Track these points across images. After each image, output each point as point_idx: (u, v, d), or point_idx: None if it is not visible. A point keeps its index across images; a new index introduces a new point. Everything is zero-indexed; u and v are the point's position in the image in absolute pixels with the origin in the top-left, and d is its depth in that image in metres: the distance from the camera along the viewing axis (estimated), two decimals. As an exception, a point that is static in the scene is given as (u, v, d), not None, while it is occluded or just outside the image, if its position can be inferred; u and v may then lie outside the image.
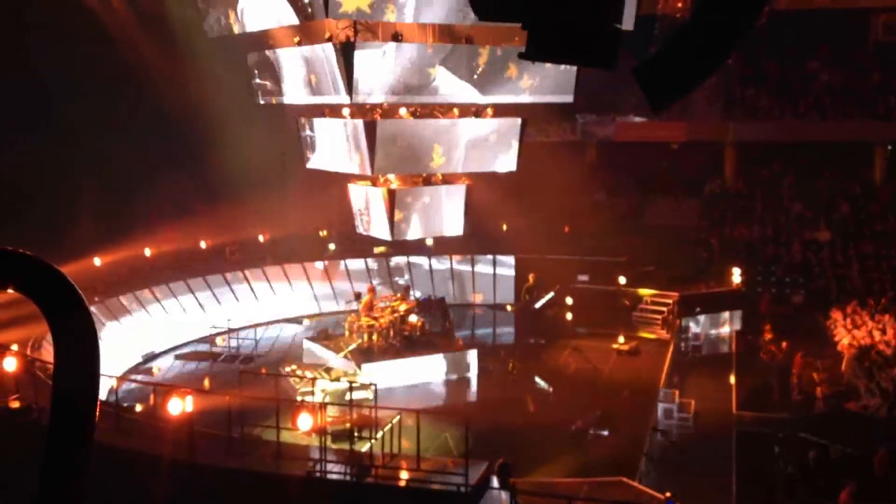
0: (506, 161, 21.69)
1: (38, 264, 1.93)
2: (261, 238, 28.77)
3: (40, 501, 1.97)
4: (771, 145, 33.11)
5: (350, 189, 22.59)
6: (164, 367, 22.64)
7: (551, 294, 25.89)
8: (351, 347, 20.73)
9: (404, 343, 21.35)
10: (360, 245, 27.67)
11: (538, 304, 25.56)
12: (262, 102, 22.89)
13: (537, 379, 21.20)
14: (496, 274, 29.18)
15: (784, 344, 22.80)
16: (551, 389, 20.69)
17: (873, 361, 20.43)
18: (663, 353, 22.74)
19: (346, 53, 18.65)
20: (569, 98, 21.42)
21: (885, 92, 32.42)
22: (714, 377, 22.00)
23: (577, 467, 15.18)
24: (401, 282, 27.48)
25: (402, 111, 20.64)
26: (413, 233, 22.15)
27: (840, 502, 13.26)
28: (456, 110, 21.23)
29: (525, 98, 20.92)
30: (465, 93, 20.14)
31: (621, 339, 23.86)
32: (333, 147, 21.41)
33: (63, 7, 23.86)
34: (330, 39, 19.13)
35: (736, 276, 27.06)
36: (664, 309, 25.58)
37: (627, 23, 18.70)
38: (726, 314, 26.60)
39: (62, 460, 1.96)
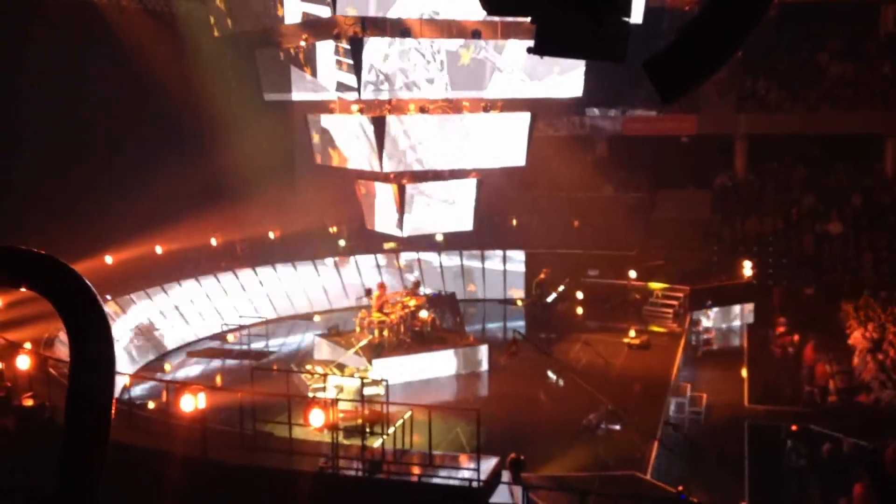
0: (515, 156, 21.68)
1: (53, 263, 1.94)
2: (271, 235, 28.84)
3: (57, 499, 1.98)
4: (782, 138, 32.95)
5: (359, 185, 22.61)
6: (176, 364, 22.73)
7: (561, 288, 25.86)
8: (362, 343, 20.74)
9: (415, 339, 21.38)
10: (371, 241, 27.69)
11: (549, 299, 25.54)
12: (270, 99, 22.93)
13: (549, 373, 21.20)
14: (506, 269, 29.17)
15: (796, 337, 22.74)
16: (562, 383, 20.68)
17: (886, 354, 20.35)
18: (674, 346, 22.69)
19: (354, 50, 18.66)
20: (578, 92, 21.40)
21: (897, 83, 32.26)
22: (726, 371, 21.95)
23: (589, 461, 15.19)
24: (411, 277, 27.49)
25: (411, 106, 20.65)
26: (423, 228, 22.16)
27: (854, 496, 13.21)
28: (465, 105, 21.23)
29: (534, 92, 20.92)
30: (475, 87, 20.14)
31: (632, 333, 23.82)
32: (343, 143, 21.44)
33: (70, 7, 23.94)
34: (338, 36, 19.15)
35: (747, 269, 26.97)
36: (675, 303, 25.53)
37: (636, 16, 18.71)
38: (737, 307, 26.51)
39: (78, 458, 1.97)
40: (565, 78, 21.08)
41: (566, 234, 29.46)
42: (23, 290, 2.10)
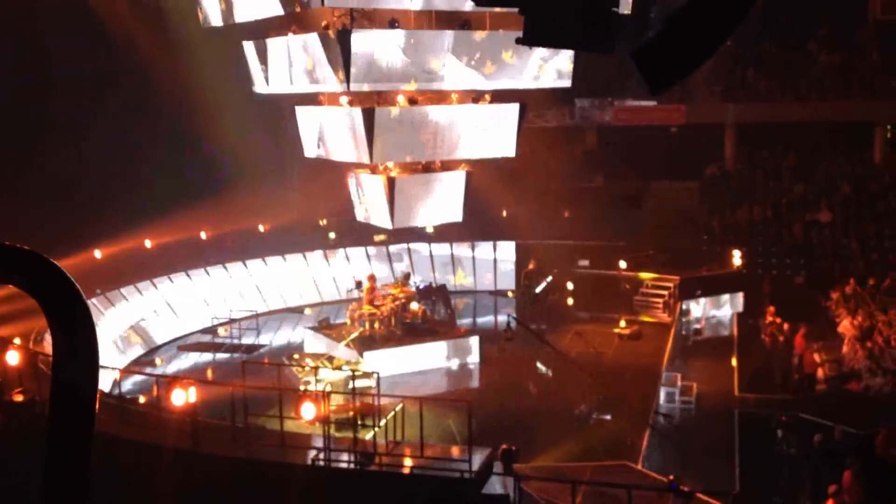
0: (504, 146, 21.65)
1: (35, 259, 1.93)
2: (261, 228, 28.76)
3: (44, 495, 1.97)
4: (771, 127, 33.02)
5: (349, 177, 22.56)
6: (166, 358, 22.68)
7: (549, 278, 25.91)
8: (353, 336, 20.75)
9: (406, 330, 21.38)
10: (360, 233, 27.65)
11: (538, 290, 25.59)
12: (259, 92, 22.83)
13: (539, 364, 21.24)
14: (497, 260, 29.18)
15: (786, 326, 22.80)
16: (552, 374, 20.74)
17: (875, 342, 20.44)
18: (665, 336, 22.76)
19: (342, 41, 18.58)
20: (567, 83, 21.36)
21: (885, 71, 32.30)
22: (716, 360, 22.03)
23: (581, 452, 15.23)
24: (401, 269, 27.47)
25: (400, 98, 20.58)
26: (413, 220, 22.13)
27: (844, 483, 13.28)
28: (454, 96, 21.18)
29: (523, 83, 20.87)
30: (464, 78, 20.10)
31: (623, 323, 23.88)
32: (332, 135, 21.37)
33: (76, 11, 23.91)
34: (326, 28, 19.07)
35: (737, 258, 27.05)
36: (665, 292, 25.58)
37: (625, 6, 18.68)
38: (727, 297, 26.60)
39: (63, 453, 1.96)
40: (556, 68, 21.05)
41: (556, 224, 29.46)
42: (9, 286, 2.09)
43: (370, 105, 20.03)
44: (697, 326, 25.63)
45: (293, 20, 20.20)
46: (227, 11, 21.07)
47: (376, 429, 13.51)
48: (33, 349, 15.89)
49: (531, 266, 26.00)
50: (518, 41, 3.84)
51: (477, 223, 26.55)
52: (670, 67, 3.28)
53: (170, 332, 24.01)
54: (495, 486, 12.38)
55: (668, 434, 17.20)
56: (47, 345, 16.99)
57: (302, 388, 16.90)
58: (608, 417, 17.32)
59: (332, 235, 29.22)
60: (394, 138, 20.05)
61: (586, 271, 27.28)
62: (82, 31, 24.03)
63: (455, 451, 12.88)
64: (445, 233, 27.73)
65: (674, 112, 33.46)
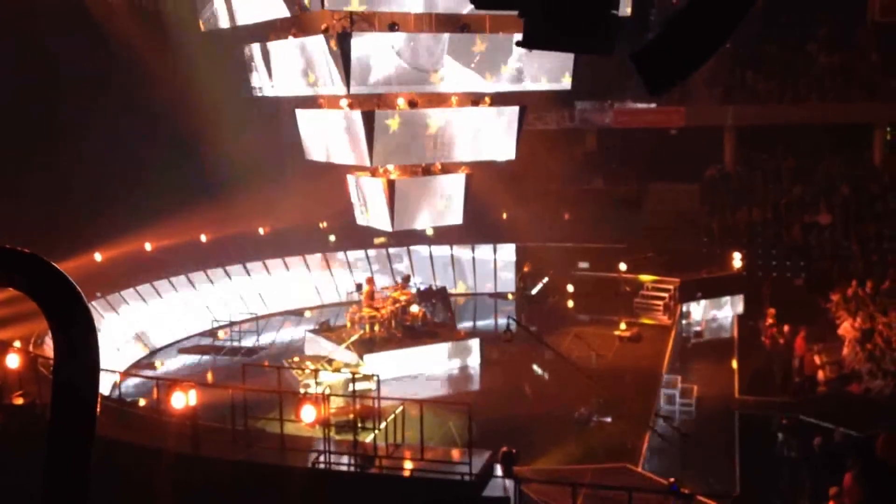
0: (505, 149, 21.66)
1: (36, 261, 1.93)
2: (261, 231, 28.74)
3: (44, 495, 1.97)
4: (770, 128, 33.05)
5: (349, 180, 22.56)
6: (166, 361, 22.66)
7: (545, 280, 25.90)
8: (353, 338, 20.73)
9: (406, 333, 21.37)
10: (360, 236, 27.63)
11: (533, 291, 25.62)
12: (258, 95, 22.86)
13: (535, 367, 21.24)
14: (497, 262, 29.17)
15: (786, 328, 22.82)
16: (547, 376, 20.74)
17: (875, 344, 20.45)
18: (665, 338, 22.75)
19: (342, 45, 18.59)
20: (566, 85, 21.37)
21: (885, 72, 32.32)
22: (716, 362, 22.03)
23: (581, 454, 15.21)
24: (401, 271, 27.46)
25: (400, 101, 20.59)
26: (413, 223, 22.12)
27: (844, 485, 13.29)
28: (454, 99, 21.18)
29: (523, 85, 20.88)
30: (464, 81, 20.11)
31: (623, 325, 23.86)
32: (332, 138, 21.38)
33: (76, 13, 23.92)
34: (326, 31, 19.08)
35: (737, 260, 27.04)
36: (665, 295, 25.56)
37: (624, 8, 18.70)
38: (727, 299, 26.58)
39: (63, 456, 1.96)
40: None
41: (556, 226, 29.46)
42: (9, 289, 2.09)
43: (370, 108, 20.03)
44: (698, 328, 25.62)
45: (293, 23, 20.21)
46: (230, 15, 21.10)
47: (376, 431, 13.51)
48: (33, 352, 15.88)
49: (526, 268, 25.98)
50: (518, 44, 3.85)
51: (477, 226, 26.56)
52: (670, 69, 3.28)
53: (170, 335, 24.00)
54: (496, 488, 12.38)
55: (669, 436, 17.20)
56: (47, 348, 16.99)
57: (302, 390, 16.87)
58: (608, 420, 17.29)
59: (332, 238, 29.20)
60: (394, 141, 20.05)
61: (586, 273, 27.27)
62: (82, 31, 24.04)
63: (455, 453, 12.88)
64: (445, 235, 27.72)
65: (673, 114, 33.48)
